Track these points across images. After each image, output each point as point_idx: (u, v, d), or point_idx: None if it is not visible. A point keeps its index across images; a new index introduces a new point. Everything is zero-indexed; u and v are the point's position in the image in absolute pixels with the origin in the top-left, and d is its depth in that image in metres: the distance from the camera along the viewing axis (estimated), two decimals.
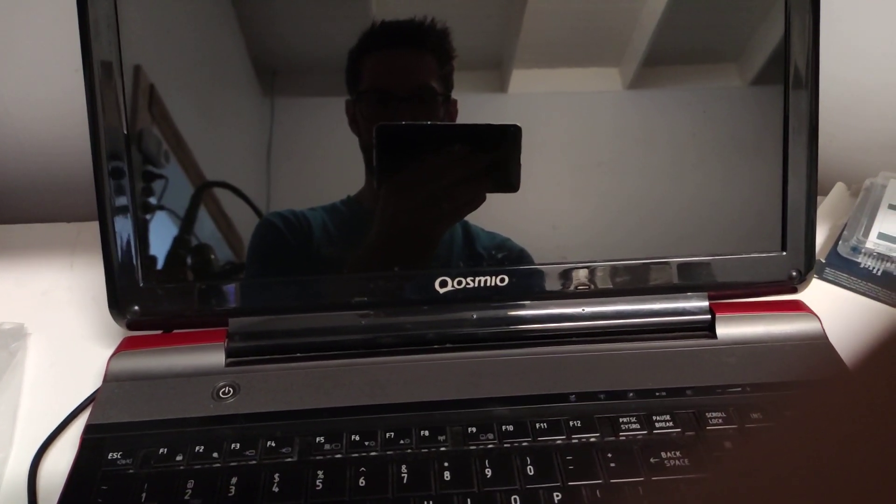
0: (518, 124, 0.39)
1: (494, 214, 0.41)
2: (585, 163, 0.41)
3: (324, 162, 0.40)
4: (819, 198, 0.57)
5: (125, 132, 0.38)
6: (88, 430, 0.36)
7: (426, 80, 0.40)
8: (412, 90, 0.40)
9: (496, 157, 0.40)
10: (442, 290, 0.41)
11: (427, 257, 0.41)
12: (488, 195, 0.40)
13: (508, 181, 0.40)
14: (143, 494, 0.33)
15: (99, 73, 0.38)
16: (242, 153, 0.40)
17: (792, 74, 0.41)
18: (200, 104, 0.39)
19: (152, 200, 0.39)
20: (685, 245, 0.42)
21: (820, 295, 0.47)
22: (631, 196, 0.42)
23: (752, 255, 0.42)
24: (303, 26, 0.39)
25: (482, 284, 0.41)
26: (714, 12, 0.41)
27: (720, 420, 0.36)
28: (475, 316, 0.41)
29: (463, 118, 0.40)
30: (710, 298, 0.42)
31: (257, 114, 0.40)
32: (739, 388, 0.38)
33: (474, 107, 0.40)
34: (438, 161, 0.39)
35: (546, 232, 0.42)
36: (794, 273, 0.42)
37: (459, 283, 0.41)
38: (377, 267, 0.41)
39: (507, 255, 0.41)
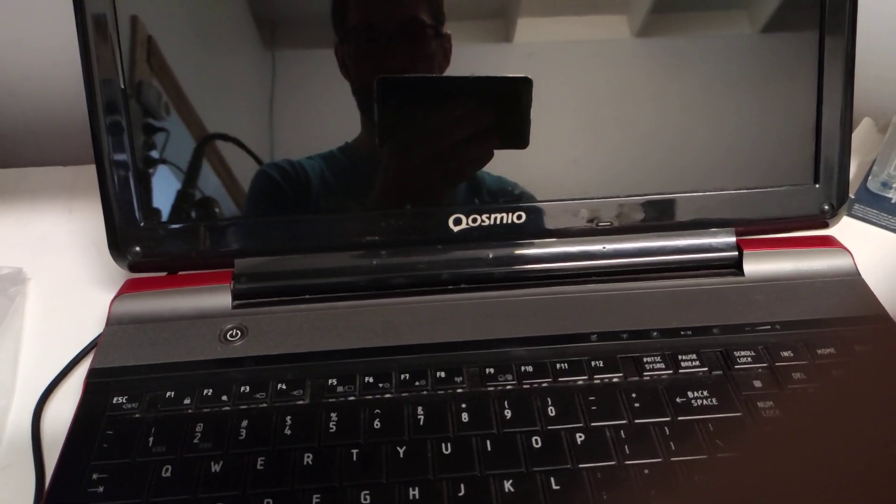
0: (528, 76, 0.37)
1: (502, 169, 0.39)
2: (598, 111, 0.39)
3: (323, 111, 0.38)
4: None
5: (122, 74, 0.36)
6: (92, 374, 0.35)
7: (414, 11, 0.37)
8: (399, 24, 0.37)
9: (505, 111, 0.37)
10: (456, 229, 0.39)
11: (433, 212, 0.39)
12: (496, 151, 0.38)
13: (517, 137, 0.38)
14: (151, 439, 0.32)
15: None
16: (243, 103, 0.38)
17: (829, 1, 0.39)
18: (199, 52, 0.37)
19: (150, 139, 0.37)
20: (710, 178, 0.40)
21: (849, 232, 0.45)
22: (650, 134, 0.39)
23: (782, 188, 0.40)
24: None
25: (498, 222, 0.39)
26: None
27: (749, 359, 0.35)
28: (491, 255, 0.40)
29: (467, 69, 0.37)
30: (736, 234, 0.40)
31: (258, 65, 0.37)
32: (769, 326, 0.37)
33: (478, 57, 0.37)
34: (444, 116, 0.37)
35: (562, 175, 0.40)
36: (827, 206, 0.40)
37: (474, 220, 0.39)
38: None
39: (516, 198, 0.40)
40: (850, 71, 0.39)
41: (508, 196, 0.39)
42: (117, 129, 0.37)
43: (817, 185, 0.40)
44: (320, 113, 0.38)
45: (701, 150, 0.40)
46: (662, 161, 0.40)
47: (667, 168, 0.40)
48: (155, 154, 0.38)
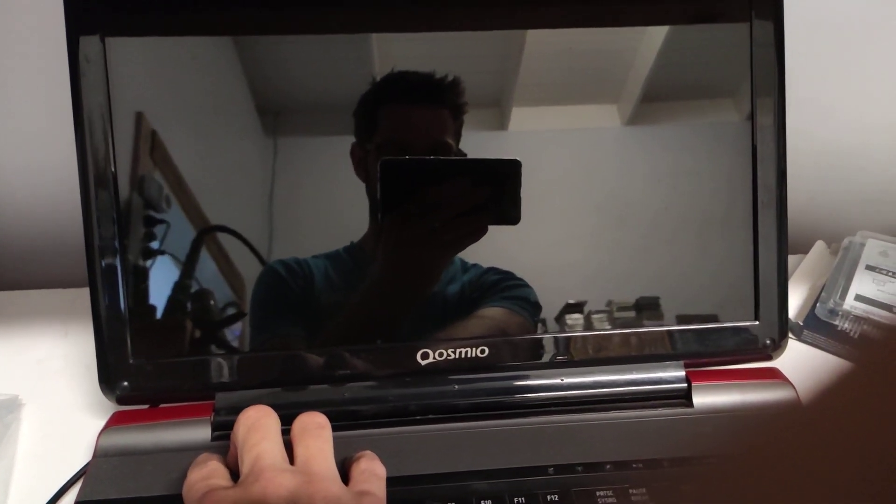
0: (517, 159, 0.41)
1: (496, 248, 0.42)
2: (582, 199, 0.43)
3: (327, 206, 0.42)
4: (799, 256, 0.58)
5: (116, 204, 0.40)
6: None
7: (442, 136, 0.42)
8: (430, 146, 0.41)
9: (497, 190, 0.41)
10: (423, 362, 0.42)
11: (428, 290, 0.42)
12: (491, 228, 0.41)
13: (509, 214, 0.41)
14: None
15: (89, 141, 0.40)
16: (247, 208, 0.41)
17: (760, 150, 0.43)
18: (204, 155, 0.41)
19: (141, 279, 0.41)
20: (661, 314, 0.43)
21: (799, 357, 0.48)
22: (618, 247, 0.43)
23: (727, 325, 0.43)
24: (305, 70, 0.41)
25: (463, 356, 0.42)
26: (708, 50, 0.43)
27: None
28: (456, 387, 0.42)
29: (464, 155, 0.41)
30: (686, 367, 0.43)
31: (260, 160, 0.41)
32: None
33: (476, 144, 0.41)
34: (441, 194, 0.41)
35: (538, 269, 0.43)
36: (768, 341, 0.43)
37: (441, 354, 0.42)
38: (379, 310, 0.42)
39: (489, 286, 0.43)
40: (782, 215, 0.43)
41: (483, 280, 0.42)
42: (111, 273, 0.40)
43: (758, 323, 0.43)
44: (328, 211, 0.42)
45: (652, 288, 0.43)
46: (621, 294, 0.43)
47: (621, 300, 0.43)
48: (145, 293, 0.41)
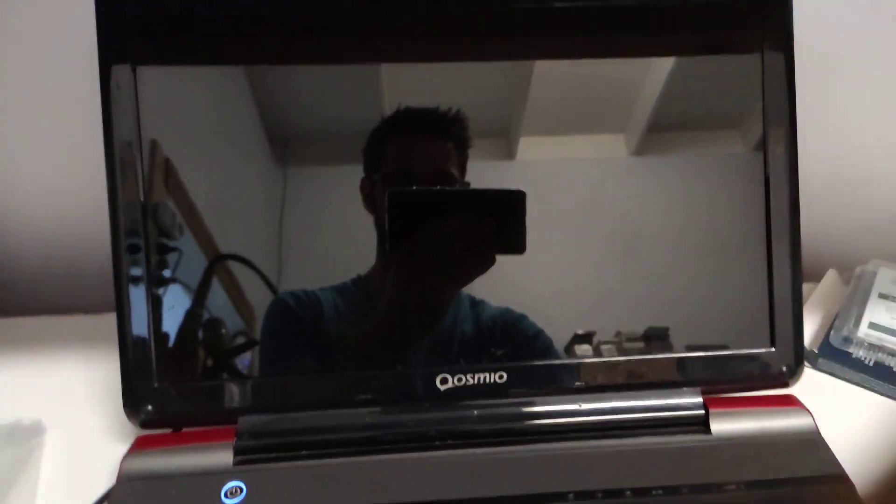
0: (522, 190, 0.41)
1: (503, 279, 0.42)
2: (590, 229, 0.44)
3: (335, 237, 0.43)
4: (812, 285, 0.59)
5: (144, 230, 0.41)
6: None
7: (446, 166, 0.43)
8: (434, 175, 0.42)
9: (503, 220, 0.42)
10: (443, 388, 0.42)
11: (437, 322, 0.43)
12: (500, 260, 0.42)
13: (515, 244, 0.42)
14: None
15: (120, 168, 0.41)
16: (257, 237, 0.42)
17: (772, 179, 0.43)
18: (216, 184, 0.42)
19: (166, 305, 0.42)
20: (678, 341, 0.44)
21: (814, 385, 0.48)
22: (628, 275, 0.44)
23: (743, 352, 0.43)
24: (315, 99, 0.42)
25: (481, 381, 0.43)
26: (716, 81, 0.44)
27: None
28: (476, 413, 0.43)
29: (472, 184, 0.42)
30: (703, 393, 0.43)
31: (270, 188, 0.42)
32: (734, 486, 0.39)
33: (483, 173, 0.42)
34: (447, 226, 0.42)
35: (550, 300, 0.44)
36: (784, 368, 0.43)
37: (459, 380, 0.42)
38: (388, 343, 0.43)
39: (509, 327, 0.43)
40: (795, 241, 0.43)
41: (501, 323, 0.43)
42: (138, 299, 0.41)
43: (773, 349, 0.43)
44: (336, 242, 0.43)
45: (667, 316, 0.44)
46: (635, 323, 0.44)
47: (638, 330, 0.44)
48: (170, 319, 0.42)
